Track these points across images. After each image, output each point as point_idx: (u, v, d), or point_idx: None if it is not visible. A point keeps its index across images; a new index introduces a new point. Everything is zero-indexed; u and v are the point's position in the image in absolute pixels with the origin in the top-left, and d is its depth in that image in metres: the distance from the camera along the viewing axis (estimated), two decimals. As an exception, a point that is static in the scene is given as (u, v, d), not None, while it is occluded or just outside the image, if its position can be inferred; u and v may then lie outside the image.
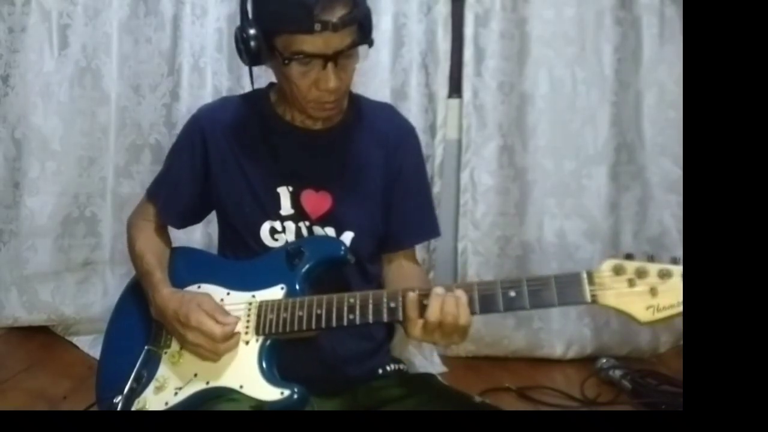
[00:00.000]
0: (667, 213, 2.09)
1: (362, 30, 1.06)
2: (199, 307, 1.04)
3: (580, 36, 2.04)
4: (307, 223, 1.15)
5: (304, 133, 1.17)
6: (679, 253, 0.84)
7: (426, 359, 2.04)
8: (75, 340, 2.13)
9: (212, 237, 1.86)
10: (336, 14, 1.00)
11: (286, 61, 1.04)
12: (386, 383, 1.14)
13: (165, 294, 1.10)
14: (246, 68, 1.14)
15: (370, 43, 1.08)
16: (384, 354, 1.22)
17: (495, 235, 2.09)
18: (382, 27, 2.03)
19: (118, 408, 1.07)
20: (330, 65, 1.03)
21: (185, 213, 1.26)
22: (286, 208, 1.15)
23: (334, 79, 1.05)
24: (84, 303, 2.15)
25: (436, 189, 2.08)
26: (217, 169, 1.19)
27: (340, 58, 1.04)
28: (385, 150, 1.19)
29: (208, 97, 2.02)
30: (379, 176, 1.19)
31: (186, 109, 2.00)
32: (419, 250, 1.99)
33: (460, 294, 0.92)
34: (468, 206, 2.09)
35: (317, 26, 0.99)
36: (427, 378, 1.20)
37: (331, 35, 1.01)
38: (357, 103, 1.22)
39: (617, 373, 1.89)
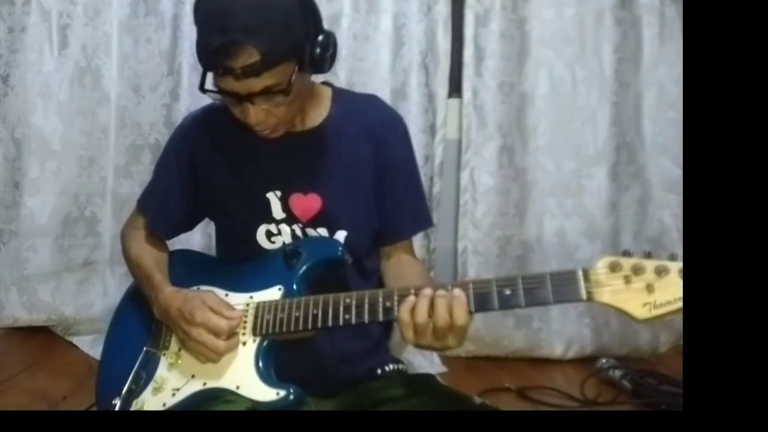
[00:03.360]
0: (667, 213, 2.09)
1: (299, 64, 1.00)
2: (204, 303, 1.04)
3: (580, 36, 2.04)
4: (300, 225, 1.15)
5: (288, 137, 1.14)
6: (679, 252, 0.84)
7: (425, 359, 2.04)
8: (75, 340, 2.13)
9: (212, 237, 1.85)
10: (238, 62, 0.95)
11: (203, 92, 1.03)
12: (385, 383, 1.13)
13: (168, 293, 1.09)
14: None
15: (287, 92, 1.00)
16: (383, 354, 1.22)
17: (495, 235, 2.09)
18: (382, 27, 2.04)
19: (117, 409, 1.07)
20: (247, 104, 1.01)
21: (175, 223, 1.26)
22: (277, 212, 1.15)
23: (254, 116, 1.03)
24: (84, 303, 2.15)
25: (436, 189, 2.08)
26: (206, 178, 1.19)
27: (259, 99, 1.00)
28: (373, 143, 1.17)
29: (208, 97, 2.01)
30: (369, 170, 1.17)
31: (186, 108, 2.00)
32: (419, 250, 2.00)
33: (458, 293, 0.91)
34: (468, 206, 2.09)
35: (219, 70, 0.97)
36: (427, 378, 1.20)
37: (237, 81, 0.97)
38: (342, 99, 1.20)
39: (617, 373, 1.89)
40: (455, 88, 2.11)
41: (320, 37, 1.03)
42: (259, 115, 1.03)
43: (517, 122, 2.07)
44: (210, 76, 1.03)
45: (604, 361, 1.96)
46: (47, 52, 2.06)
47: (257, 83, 0.98)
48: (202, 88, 1.04)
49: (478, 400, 1.08)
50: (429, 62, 2.07)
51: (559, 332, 2.09)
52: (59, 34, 2.07)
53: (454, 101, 2.11)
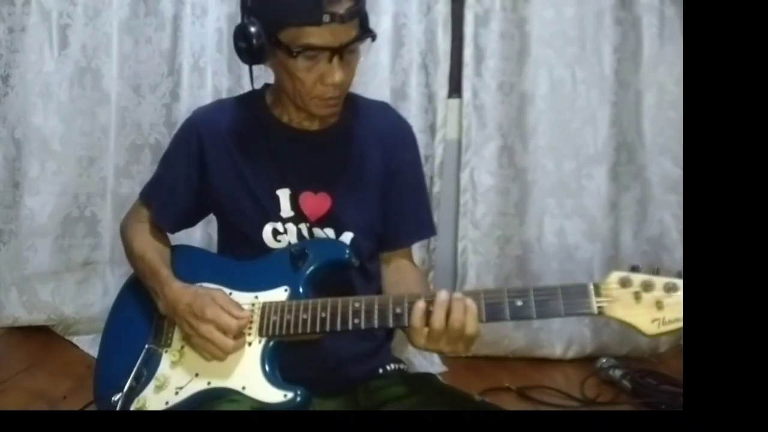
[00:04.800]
0: (667, 213, 2.09)
1: (363, 24, 1.06)
2: (214, 301, 1.04)
3: (580, 36, 2.04)
4: (307, 225, 1.15)
5: (301, 135, 1.16)
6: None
7: (425, 359, 2.04)
8: (75, 339, 2.13)
9: (212, 237, 1.86)
10: (343, 6, 1.00)
11: (295, 54, 1.03)
12: (386, 383, 1.14)
13: (176, 288, 1.09)
14: (245, 68, 1.14)
15: (374, 37, 1.08)
16: (384, 354, 1.22)
17: (495, 235, 2.09)
18: (382, 27, 2.03)
19: (117, 407, 1.07)
20: (336, 59, 1.04)
21: (181, 217, 1.26)
22: (285, 210, 1.15)
23: (339, 73, 1.05)
24: (84, 303, 2.15)
25: (436, 189, 2.08)
26: (215, 173, 1.18)
27: (345, 52, 1.04)
28: (382, 149, 1.19)
29: (208, 97, 2.02)
30: (377, 175, 1.18)
31: (186, 109, 2.00)
32: (419, 249, 2.01)
33: (470, 303, 0.92)
34: (468, 206, 2.09)
35: (326, 17, 1.00)
36: (428, 378, 1.20)
37: (338, 27, 1.01)
38: (354, 103, 1.22)
39: (617, 373, 1.89)
40: (455, 88, 2.11)
41: None
42: (342, 75, 1.05)
43: (517, 122, 2.07)
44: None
45: (604, 360, 1.96)
46: (47, 52, 2.06)
47: (352, 30, 1.03)
48: (290, 52, 1.03)
49: (478, 398, 1.08)
50: (429, 62, 2.06)
51: (559, 332, 2.09)
52: (59, 34, 2.06)
53: (454, 101, 2.11)
